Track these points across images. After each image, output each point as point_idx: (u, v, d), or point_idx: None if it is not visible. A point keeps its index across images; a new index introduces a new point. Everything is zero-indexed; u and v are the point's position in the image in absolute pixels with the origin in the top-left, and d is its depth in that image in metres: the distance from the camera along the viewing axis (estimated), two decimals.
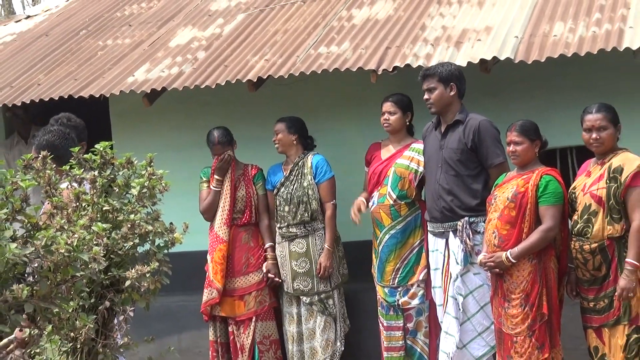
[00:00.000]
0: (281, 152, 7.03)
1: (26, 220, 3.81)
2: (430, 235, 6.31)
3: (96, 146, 4.48)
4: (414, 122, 6.69)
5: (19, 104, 7.63)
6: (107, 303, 4.22)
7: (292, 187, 6.91)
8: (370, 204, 6.67)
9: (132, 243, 4.25)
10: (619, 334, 5.48)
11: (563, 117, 6.69)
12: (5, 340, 3.94)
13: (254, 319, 7.03)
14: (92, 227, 3.98)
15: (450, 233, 6.08)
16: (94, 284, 4.13)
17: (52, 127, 5.91)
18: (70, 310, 3.93)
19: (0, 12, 22.30)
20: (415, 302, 6.52)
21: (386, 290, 6.58)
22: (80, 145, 5.41)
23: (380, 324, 6.66)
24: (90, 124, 6.67)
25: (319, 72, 6.66)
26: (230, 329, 7.11)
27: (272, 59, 7.07)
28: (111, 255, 4.18)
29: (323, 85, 7.39)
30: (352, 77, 6.88)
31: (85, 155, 4.48)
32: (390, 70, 6.48)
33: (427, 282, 6.48)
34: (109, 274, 4.18)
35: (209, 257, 7.06)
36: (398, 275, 6.53)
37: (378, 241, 6.61)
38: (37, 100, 7.48)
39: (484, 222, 5.87)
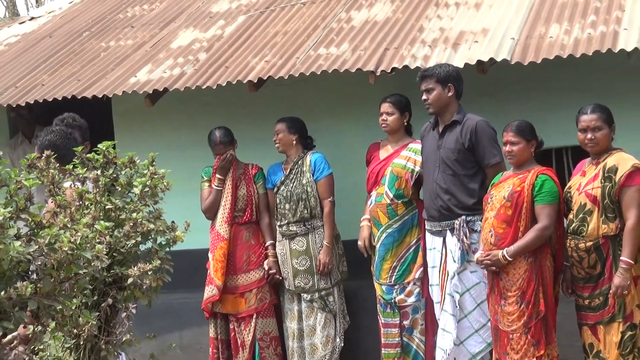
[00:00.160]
0: (281, 152, 7.04)
1: (30, 219, 3.81)
2: (427, 234, 6.31)
3: (99, 146, 4.48)
4: (412, 122, 6.69)
5: (23, 104, 7.63)
6: (110, 300, 4.22)
7: (291, 185, 6.92)
8: (369, 202, 6.68)
9: (134, 241, 4.25)
10: (614, 331, 5.48)
11: (558, 118, 6.69)
12: (9, 337, 3.95)
13: (254, 316, 7.04)
14: (95, 226, 3.99)
15: (448, 231, 6.08)
16: (96, 282, 4.14)
17: (54, 127, 5.91)
18: (73, 308, 3.94)
19: (5, 14, 22.31)
20: (411, 299, 6.52)
21: (383, 287, 6.59)
22: (84, 145, 5.43)
23: (379, 321, 6.67)
24: (93, 124, 6.68)
25: (319, 73, 6.66)
26: (231, 325, 7.11)
27: (272, 60, 7.07)
28: (114, 253, 4.18)
29: (322, 86, 7.38)
30: (351, 78, 6.89)
31: (88, 155, 4.48)
32: (389, 71, 6.48)
33: (423, 280, 6.49)
34: (112, 271, 4.19)
35: (210, 255, 7.07)
36: (395, 273, 6.53)
37: (376, 239, 6.61)
38: (41, 101, 7.48)
39: (481, 220, 5.87)
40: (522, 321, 5.61)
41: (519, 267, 5.62)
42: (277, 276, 7.00)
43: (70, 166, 4.43)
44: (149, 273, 4.14)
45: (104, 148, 4.46)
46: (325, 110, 7.59)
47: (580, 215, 5.51)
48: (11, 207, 3.71)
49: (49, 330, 4.00)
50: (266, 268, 7.02)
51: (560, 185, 5.69)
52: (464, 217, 5.98)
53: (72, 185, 4.37)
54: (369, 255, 6.71)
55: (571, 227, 5.57)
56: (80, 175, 4.38)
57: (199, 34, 8.21)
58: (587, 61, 6.18)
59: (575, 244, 5.53)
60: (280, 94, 7.50)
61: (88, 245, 3.82)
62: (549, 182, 5.63)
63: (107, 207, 4.29)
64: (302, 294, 6.92)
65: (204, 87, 6.95)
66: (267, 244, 7.07)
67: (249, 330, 7.04)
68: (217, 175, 7.02)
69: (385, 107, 6.60)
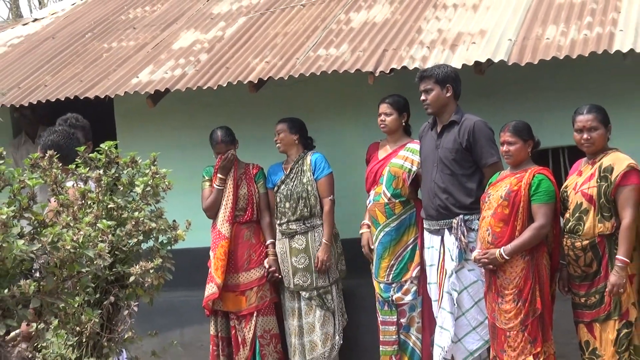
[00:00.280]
0: (282, 152, 7.04)
1: (33, 218, 3.82)
2: (426, 233, 6.31)
3: (101, 146, 4.49)
4: (411, 122, 6.69)
5: (27, 105, 7.64)
6: (112, 298, 4.23)
7: (292, 184, 6.92)
8: (368, 202, 6.69)
9: (136, 240, 4.26)
10: (610, 328, 5.48)
11: (555, 118, 6.69)
12: (12, 334, 3.95)
13: (255, 314, 7.04)
14: (97, 225, 3.99)
15: (446, 230, 6.08)
16: (99, 280, 4.14)
17: (57, 127, 5.92)
18: (75, 305, 3.94)
19: (8, 15, 22.30)
20: (408, 298, 6.53)
21: (381, 285, 6.59)
22: (86, 145, 5.44)
23: (378, 319, 6.67)
24: (95, 124, 6.68)
25: (318, 73, 6.66)
26: (232, 323, 7.11)
27: (273, 61, 7.08)
28: (116, 252, 4.19)
29: (322, 87, 7.38)
30: (350, 79, 6.89)
31: (91, 155, 4.49)
32: (387, 72, 6.49)
33: (420, 278, 6.50)
34: (114, 270, 4.19)
35: (211, 254, 7.07)
36: (392, 272, 6.54)
37: (374, 238, 6.62)
38: (44, 101, 7.49)
39: (478, 219, 5.87)
40: (519, 319, 5.61)
41: (516, 265, 5.62)
42: (277, 274, 7.00)
43: (73, 166, 4.43)
44: (151, 271, 4.15)
45: (106, 148, 4.47)
46: (325, 110, 7.59)
47: (577, 215, 5.51)
48: (14, 206, 3.72)
49: (52, 327, 4.00)
50: (266, 267, 7.02)
51: (556, 185, 5.69)
52: (461, 216, 5.98)
53: (75, 185, 4.37)
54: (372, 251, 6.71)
55: (567, 226, 5.57)
56: (83, 175, 4.38)
57: (200, 35, 8.22)
58: (584, 62, 6.18)
59: (572, 243, 5.53)
60: (280, 95, 7.50)
61: (90, 243, 3.82)
62: (546, 181, 5.63)
63: (109, 206, 4.29)
64: (301, 292, 6.92)
65: (204, 87, 6.96)
66: (268, 242, 7.08)
67: (250, 327, 7.04)
68: (219, 175, 7.02)
69: (384, 107, 6.60)
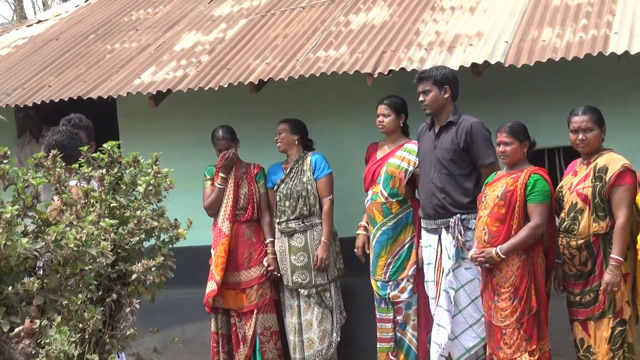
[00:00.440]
0: (282, 151, 7.04)
1: (37, 216, 3.82)
2: (423, 232, 6.31)
3: (104, 145, 4.49)
4: (409, 122, 6.69)
5: (31, 105, 7.64)
6: (114, 295, 4.23)
7: (291, 183, 6.93)
8: (366, 201, 6.69)
9: (138, 238, 4.26)
10: (604, 326, 5.49)
11: (551, 119, 6.69)
12: (16, 330, 3.95)
13: (255, 311, 7.04)
14: (100, 223, 3.99)
15: (443, 229, 6.08)
16: (101, 277, 4.14)
17: (61, 127, 5.92)
18: (78, 303, 3.94)
19: (13, 17, 22.29)
20: (404, 295, 6.53)
21: (378, 283, 6.60)
22: (90, 145, 5.44)
23: (376, 316, 6.68)
24: (98, 124, 6.68)
25: (318, 75, 6.66)
26: (232, 320, 7.12)
27: (273, 62, 7.08)
28: (118, 250, 4.19)
29: (321, 88, 7.38)
30: (349, 80, 6.89)
31: (94, 154, 4.49)
32: (386, 73, 6.49)
33: (416, 277, 6.50)
34: (116, 267, 4.19)
35: (212, 252, 7.07)
36: (389, 270, 6.54)
37: (371, 237, 6.62)
38: (48, 101, 7.48)
39: (475, 219, 5.88)
40: (514, 317, 5.62)
41: (512, 264, 5.62)
42: (276, 273, 7.01)
43: (76, 165, 4.43)
44: (153, 269, 4.15)
45: (109, 148, 4.47)
46: (324, 111, 7.59)
47: (572, 214, 5.51)
48: (19, 205, 3.71)
49: (55, 324, 4.00)
50: (265, 265, 7.02)
51: (552, 185, 5.70)
52: (458, 215, 5.99)
53: (78, 184, 4.37)
54: (366, 257, 6.72)
55: (563, 226, 5.57)
56: (86, 174, 4.38)
57: (201, 37, 8.22)
58: (579, 64, 6.18)
59: (567, 242, 5.54)
60: (280, 95, 7.51)
61: (93, 242, 3.82)
62: (541, 181, 5.63)
63: (111, 205, 4.29)
64: (299, 290, 6.92)
65: (206, 88, 6.95)
66: (267, 241, 7.08)
67: (250, 325, 7.04)
68: (220, 174, 7.02)
69: (382, 108, 6.61)
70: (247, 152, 7.23)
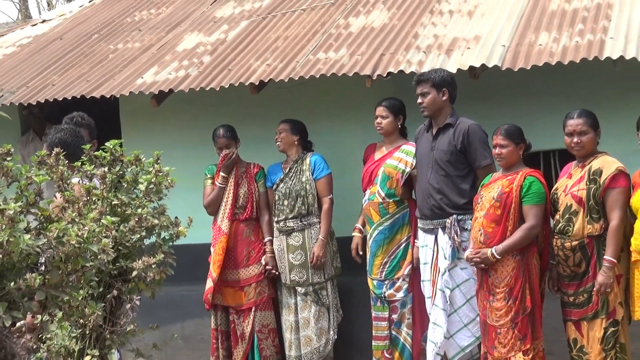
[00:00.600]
0: (282, 151, 7.04)
1: (39, 213, 3.82)
2: (420, 232, 6.31)
3: (106, 144, 4.49)
4: (408, 124, 6.69)
5: (34, 103, 7.63)
6: (115, 292, 4.23)
7: (290, 182, 6.93)
8: (363, 201, 6.69)
9: (139, 236, 4.26)
10: (597, 327, 5.49)
11: (546, 122, 6.69)
12: (18, 325, 3.95)
13: (253, 309, 7.04)
14: (101, 220, 3.99)
15: (439, 230, 6.08)
16: (102, 274, 4.14)
17: (64, 125, 5.92)
18: (79, 299, 3.95)
19: (18, 16, 22.29)
20: (400, 295, 6.54)
21: (375, 282, 6.60)
22: (92, 143, 5.44)
23: (372, 315, 6.68)
24: (100, 123, 6.68)
25: (318, 76, 6.67)
26: (231, 317, 7.12)
27: (274, 63, 7.08)
28: (119, 247, 4.19)
29: (321, 89, 7.38)
30: (348, 82, 6.89)
31: (96, 153, 4.49)
32: (385, 75, 6.49)
33: (411, 276, 6.50)
34: (117, 264, 4.19)
35: (212, 250, 7.08)
36: (385, 269, 6.55)
37: (368, 236, 6.63)
38: (52, 100, 7.48)
39: (471, 219, 5.88)
40: (509, 316, 5.62)
41: (507, 264, 5.62)
42: (274, 271, 7.01)
43: (79, 163, 4.43)
44: (153, 266, 4.15)
45: (111, 146, 4.47)
46: (324, 112, 7.59)
47: (567, 216, 5.51)
48: (22, 202, 3.72)
49: (56, 319, 4.01)
50: (263, 263, 7.03)
51: (547, 187, 5.70)
52: (455, 216, 5.99)
53: (80, 182, 4.37)
54: (361, 257, 6.73)
55: (557, 227, 5.58)
56: (88, 172, 4.38)
57: (203, 38, 8.22)
58: (575, 68, 6.18)
59: (562, 243, 5.54)
60: (280, 96, 7.51)
61: (95, 239, 3.82)
62: (537, 183, 5.63)
63: (113, 202, 4.30)
64: (297, 288, 6.93)
65: (207, 88, 6.95)
66: (266, 240, 7.08)
67: (248, 322, 7.04)
68: (221, 174, 7.02)
69: (380, 110, 6.61)
70: (247, 151, 7.23)
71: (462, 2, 7.54)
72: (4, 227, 3.48)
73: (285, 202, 6.92)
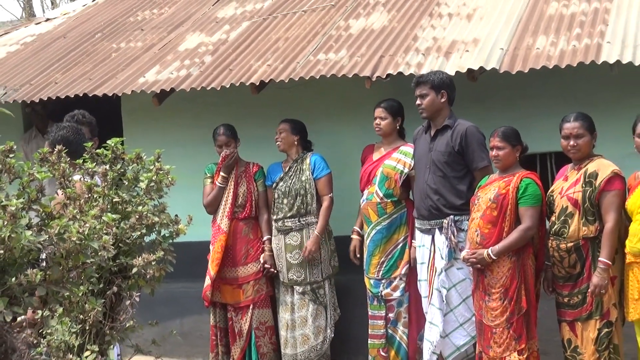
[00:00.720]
0: (282, 150, 7.04)
1: (41, 210, 3.82)
2: (417, 232, 6.32)
3: (108, 142, 4.49)
4: (406, 125, 6.69)
5: (37, 101, 7.63)
6: (115, 288, 4.24)
7: (290, 181, 6.93)
8: (361, 200, 6.69)
9: (139, 233, 4.27)
10: (591, 327, 5.49)
11: (543, 125, 6.69)
12: (18, 320, 3.95)
13: (251, 307, 7.05)
14: (102, 217, 3.99)
15: (436, 230, 6.09)
16: (103, 270, 4.15)
17: (66, 123, 5.92)
18: (80, 294, 3.94)
19: (22, 15, 22.29)
20: (396, 294, 6.54)
21: (371, 281, 6.60)
22: (92, 141, 5.43)
23: (368, 313, 6.68)
24: (102, 121, 6.68)
25: (317, 77, 6.66)
26: (229, 315, 7.12)
27: (274, 64, 7.07)
28: (120, 244, 4.19)
29: (321, 90, 7.38)
30: (348, 83, 6.88)
31: (98, 150, 4.49)
32: (384, 77, 6.48)
33: (408, 276, 6.50)
34: (117, 261, 4.20)
35: (211, 247, 7.08)
36: (382, 268, 6.55)
37: (366, 235, 6.63)
38: (54, 98, 7.48)
39: (468, 220, 5.88)
40: (504, 316, 5.62)
41: (502, 265, 5.63)
42: (272, 269, 7.01)
43: (81, 161, 4.43)
44: (153, 263, 4.16)
45: (113, 144, 4.47)
46: (323, 112, 7.59)
47: (562, 218, 5.51)
48: (23, 198, 3.72)
49: (57, 315, 4.01)
50: (262, 262, 7.03)
51: (543, 189, 5.70)
52: (452, 216, 5.99)
53: (82, 179, 4.37)
54: (359, 259, 6.73)
55: (553, 229, 5.58)
56: (90, 170, 4.38)
57: (205, 38, 8.21)
58: (572, 72, 6.18)
59: (557, 245, 5.54)
60: (280, 97, 7.50)
61: (95, 235, 3.82)
62: (533, 185, 5.64)
63: (114, 200, 4.30)
64: (294, 287, 6.93)
65: (208, 88, 6.95)
66: (265, 238, 7.08)
67: (246, 319, 7.04)
68: (222, 173, 7.02)
69: (379, 111, 6.61)
70: (247, 151, 7.23)
71: (461, 5, 7.54)
72: (6, 223, 3.48)
73: (285, 201, 6.92)
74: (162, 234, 4.39)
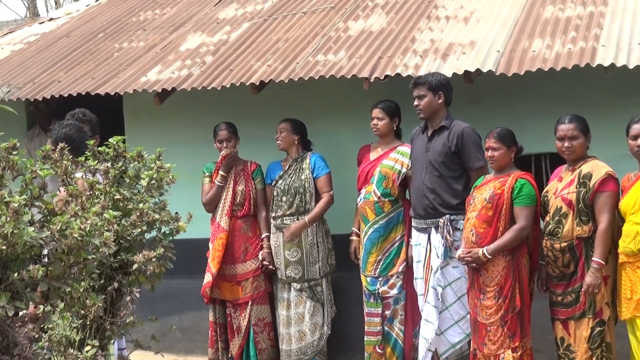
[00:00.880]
0: (282, 149, 7.04)
1: (43, 206, 3.82)
2: (414, 230, 6.32)
3: (110, 140, 4.49)
4: (403, 126, 6.69)
5: (41, 99, 7.63)
6: (116, 284, 4.24)
7: (289, 179, 6.93)
8: (358, 200, 6.69)
9: (140, 230, 4.27)
10: (584, 326, 5.49)
11: (538, 126, 6.69)
12: (20, 315, 3.95)
13: (250, 303, 7.04)
14: (103, 214, 3.99)
15: (432, 229, 6.09)
16: (103, 267, 4.15)
17: (68, 121, 5.91)
18: (81, 290, 3.94)
19: (26, 14, 22.27)
20: (393, 291, 6.54)
21: (368, 279, 6.60)
22: (94, 139, 5.43)
23: (364, 311, 6.68)
24: (104, 119, 6.67)
25: (317, 78, 6.66)
26: (228, 311, 7.12)
27: (274, 64, 7.07)
28: (120, 241, 4.19)
29: (320, 90, 7.38)
30: (346, 84, 6.88)
31: (100, 148, 4.49)
32: (382, 78, 6.48)
33: (405, 274, 6.50)
34: (118, 257, 4.19)
35: (210, 245, 7.07)
36: (379, 266, 6.55)
37: (363, 234, 6.63)
38: (57, 96, 7.48)
39: (463, 220, 5.88)
40: (499, 314, 5.62)
41: (497, 264, 5.63)
42: (270, 267, 7.01)
43: (83, 158, 4.43)
44: (153, 260, 4.16)
45: (114, 142, 4.47)
46: (322, 112, 7.59)
47: (556, 218, 5.51)
48: (26, 195, 3.72)
49: (58, 310, 4.01)
50: (260, 259, 7.02)
51: (538, 189, 5.70)
52: (448, 216, 5.99)
53: (84, 176, 4.37)
54: (359, 259, 6.74)
55: (547, 229, 5.58)
56: (92, 167, 4.38)
57: (206, 39, 8.21)
58: (567, 74, 6.18)
59: (551, 244, 5.54)
60: (280, 97, 7.50)
61: (97, 232, 3.82)
62: (528, 185, 5.64)
63: (115, 197, 4.30)
64: (292, 284, 6.93)
65: (209, 87, 6.95)
66: (263, 236, 7.07)
67: (245, 316, 7.04)
68: (221, 172, 7.01)
69: (376, 112, 6.61)
70: (247, 150, 7.23)
71: (458, 8, 7.54)
72: (8, 219, 3.48)
73: (284, 199, 6.92)
74: (162, 231, 4.39)
